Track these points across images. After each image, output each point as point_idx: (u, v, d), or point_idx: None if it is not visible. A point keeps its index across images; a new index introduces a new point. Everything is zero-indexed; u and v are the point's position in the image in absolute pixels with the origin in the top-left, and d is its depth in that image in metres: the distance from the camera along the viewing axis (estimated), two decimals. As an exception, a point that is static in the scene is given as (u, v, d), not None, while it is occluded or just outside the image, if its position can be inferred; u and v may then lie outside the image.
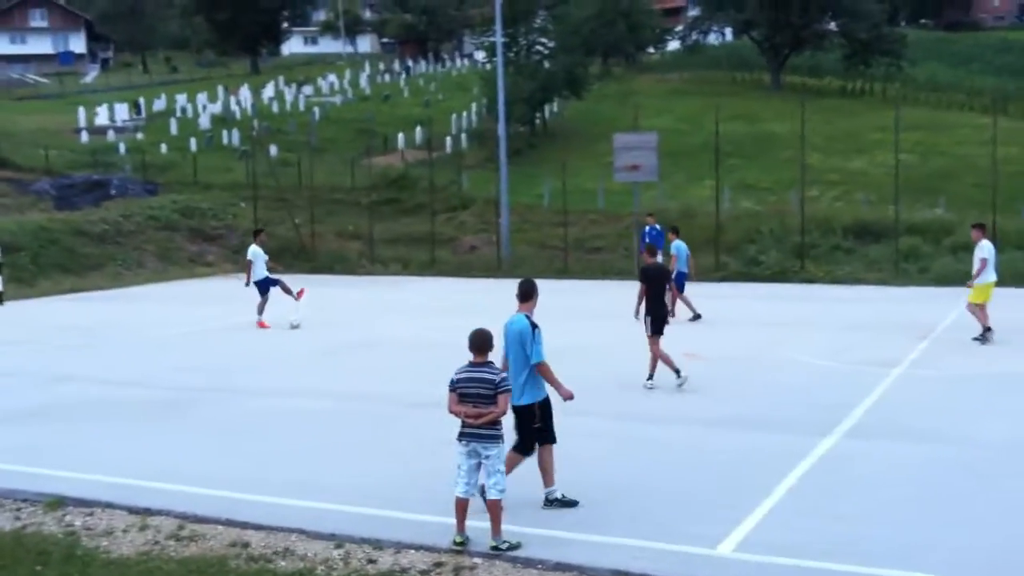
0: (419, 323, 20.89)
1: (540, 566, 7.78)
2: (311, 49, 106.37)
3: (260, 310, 21.25)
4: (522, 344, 8.96)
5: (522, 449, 9.08)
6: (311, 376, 15.81)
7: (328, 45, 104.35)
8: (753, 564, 7.70)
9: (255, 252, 21.46)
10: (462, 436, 8.21)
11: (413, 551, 8.12)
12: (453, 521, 8.22)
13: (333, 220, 37.33)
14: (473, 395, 8.14)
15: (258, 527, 8.72)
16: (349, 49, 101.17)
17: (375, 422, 12.65)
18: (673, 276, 18.44)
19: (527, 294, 9.41)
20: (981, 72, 69.26)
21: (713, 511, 8.86)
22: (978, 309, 17.73)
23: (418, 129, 50.03)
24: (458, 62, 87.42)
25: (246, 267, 21.64)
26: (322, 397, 14.15)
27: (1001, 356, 16.38)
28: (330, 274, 32.16)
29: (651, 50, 79.81)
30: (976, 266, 17.73)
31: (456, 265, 32.41)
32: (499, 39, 36.86)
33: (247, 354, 18.03)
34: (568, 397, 9.10)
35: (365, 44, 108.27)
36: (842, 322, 20.36)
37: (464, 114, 54.92)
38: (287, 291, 21.29)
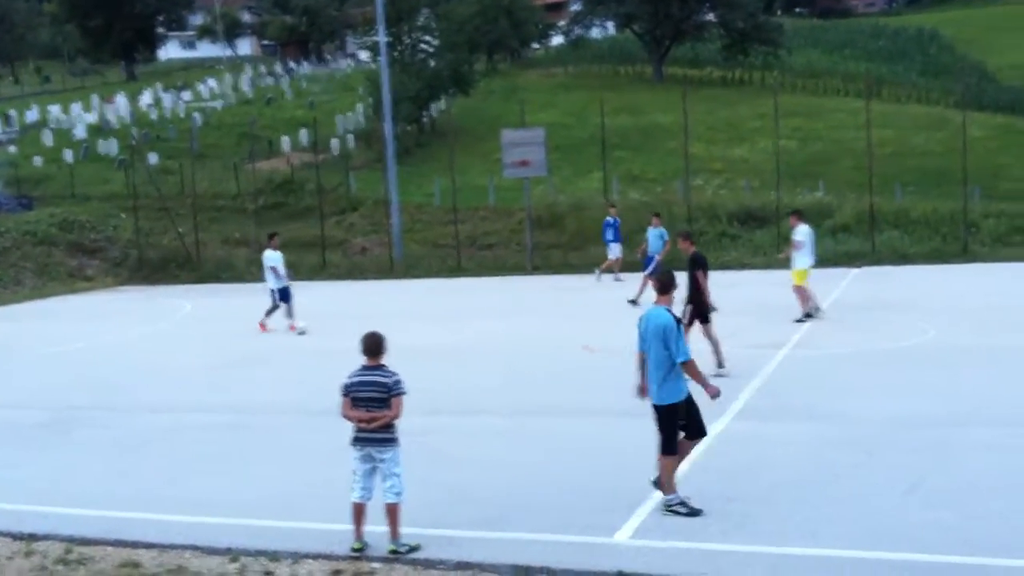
0: (311, 329, 20.58)
1: (441, 566, 7.75)
2: (189, 54, 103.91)
3: (289, 314, 20.44)
4: (663, 340, 8.49)
5: (668, 450, 8.62)
6: (199, 390, 15.45)
7: (207, 49, 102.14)
8: (650, 549, 7.81)
9: (272, 257, 20.52)
10: (356, 441, 8.12)
11: (311, 560, 8.02)
12: (351, 527, 8.14)
13: (218, 228, 36.56)
14: (366, 399, 8.05)
15: (149, 546, 8.51)
16: (228, 52, 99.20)
17: (267, 433, 12.44)
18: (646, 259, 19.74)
19: (666, 286, 8.83)
20: (855, 58, 71.50)
21: (610, 500, 8.96)
22: (797, 290, 18.48)
23: (303, 131, 49.31)
24: (342, 62, 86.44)
25: (272, 272, 20.50)
26: (211, 411, 13.83)
27: (880, 333, 16.93)
28: (217, 283, 31.50)
29: (535, 45, 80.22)
30: (794, 246, 18.56)
31: (348, 268, 32.07)
32: (382, 38, 36.60)
33: (133, 370, 17.51)
34: (715, 395, 8.64)
35: (245, 47, 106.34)
36: (730, 307, 20.72)
37: (350, 115, 54.36)
38: (270, 312, 20.52)
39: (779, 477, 9.39)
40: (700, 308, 14.18)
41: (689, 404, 8.63)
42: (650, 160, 43.33)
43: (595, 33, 77.70)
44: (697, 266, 14.24)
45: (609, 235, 26.49)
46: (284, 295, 20.50)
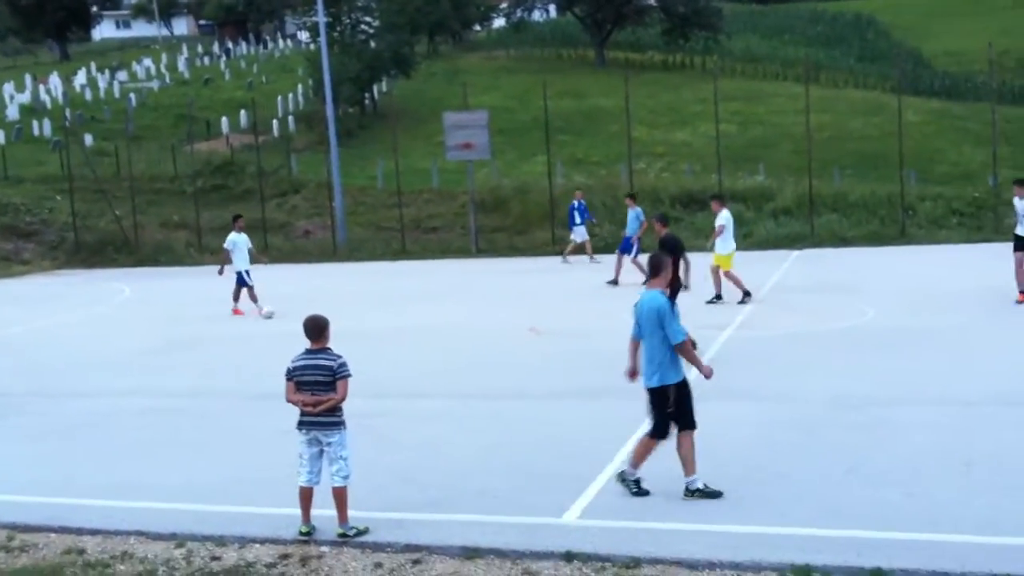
0: (252, 313, 20.37)
1: (389, 549, 7.74)
2: (124, 33, 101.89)
3: (252, 298, 20.06)
4: (659, 322, 8.38)
5: (657, 433, 8.52)
6: (141, 374, 15.22)
7: (142, 28, 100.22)
8: (596, 529, 7.87)
9: (234, 241, 20.19)
10: (302, 425, 8.06)
11: (258, 545, 7.95)
12: (298, 512, 8.08)
13: (156, 210, 35.99)
14: (311, 382, 7.99)
15: (94, 532, 8.37)
16: (164, 32, 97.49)
17: (212, 417, 12.30)
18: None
19: (656, 268, 8.76)
20: (793, 43, 72.29)
21: (557, 481, 9.00)
22: (727, 276, 18.46)
23: (242, 113, 48.69)
24: (281, 43, 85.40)
25: (222, 256, 20.22)
26: (152, 395, 13.64)
27: (820, 315, 17.20)
28: (156, 266, 31.03)
29: (477, 28, 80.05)
30: (716, 232, 18.55)
31: (290, 251, 31.78)
32: (321, 18, 36.23)
33: (70, 355, 17.19)
34: (709, 375, 8.53)
35: (181, 26, 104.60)
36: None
37: (290, 96, 53.78)
38: (252, 298, 20.12)
39: (723, 457, 9.50)
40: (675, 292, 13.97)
41: (683, 393, 8.50)
42: (593, 144, 43.49)
43: (537, 16, 77.71)
44: (666, 249, 14.00)
45: (576, 219, 26.42)
46: (239, 279, 20.18)
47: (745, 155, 38.15)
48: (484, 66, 62.48)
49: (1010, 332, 14.86)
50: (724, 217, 18.57)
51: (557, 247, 29.29)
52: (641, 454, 8.58)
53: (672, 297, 13.69)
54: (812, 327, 16.10)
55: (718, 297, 18.47)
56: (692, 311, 17.89)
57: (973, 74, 57.84)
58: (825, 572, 6.86)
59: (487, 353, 15.38)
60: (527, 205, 33.06)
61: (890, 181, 30.40)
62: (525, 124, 44.06)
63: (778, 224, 28.99)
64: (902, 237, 27.35)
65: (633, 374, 8.79)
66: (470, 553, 7.54)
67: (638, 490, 8.50)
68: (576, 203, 26.54)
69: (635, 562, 7.20)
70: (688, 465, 8.45)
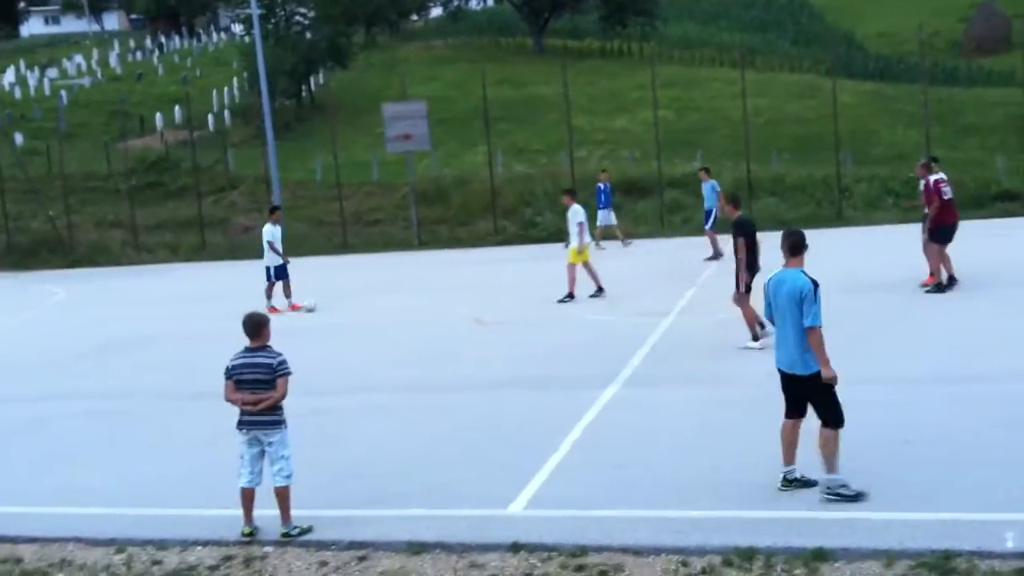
0: (190, 312, 20.10)
1: (334, 547, 7.67)
2: (53, 29, 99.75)
3: (287, 292, 19.47)
4: (800, 304, 7.80)
5: (835, 421, 7.77)
6: (76, 378, 14.92)
7: (72, 24, 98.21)
8: (542, 519, 7.87)
9: (272, 232, 19.49)
10: (242, 424, 7.94)
11: (200, 547, 7.85)
12: (240, 512, 7.98)
13: (91, 210, 35.33)
14: (250, 381, 7.88)
15: (31, 540, 8.22)
16: (95, 27, 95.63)
17: (151, 419, 12.09)
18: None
19: (797, 246, 8.10)
20: (729, 28, 72.85)
21: (503, 472, 8.99)
22: (577, 269, 18.16)
23: (176, 108, 47.92)
24: (214, 36, 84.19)
25: (270, 248, 19.38)
26: (90, 398, 13.38)
27: (759, 297, 17.31)
28: (92, 267, 30.46)
29: (414, 17, 79.49)
30: (575, 230, 18.09)
31: (229, 248, 31.36)
32: (255, 10, 35.80)
33: (3, 360, 16.77)
34: (829, 377, 7.77)
35: (112, 21, 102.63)
36: (616, 276, 21.04)
37: (225, 90, 53.03)
38: (286, 293, 19.49)
39: (668, 441, 9.57)
40: (742, 275, 13.45)
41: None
42: (534, 132, 43.47)
43: (474, 4, 77.41)
44: (739, 231, 13.54)
45: (601, 200, 25.84)
46: (280, 272, 19.60)
47: (684, 141, 38.36)
48: (422, 56, 62.14)
49: (945, 310, 15.12)
50: (579, 213, 18.17)
51: (499, 236, 29.28)
52: (833, 451, 7.74)
53: (751, 278, 13.45)
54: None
55: (600, 290, 18.28)
56: (633, 298, 17.99)
57: (905, 55, 58.78)
58: (769, 553, 6.92)
59: (432, 346, 15.31)
60: (469, 196, 32.98)
61: (826, 164, 30.79)
62: (465, 114, 43.91)
63: (719, 208, 29.19)
64: (839, 219, 27.72)
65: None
66: (416, 548, 7.50)
67: (855, 494, 7.69)
68: (601, 185, 25.95)
69: (581, 551, 7.21)
70: (789, 452, 8.02)
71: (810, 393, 7.88)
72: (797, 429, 8.06)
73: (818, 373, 7.79)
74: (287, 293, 19.63)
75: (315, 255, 29.38)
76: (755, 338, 13.33)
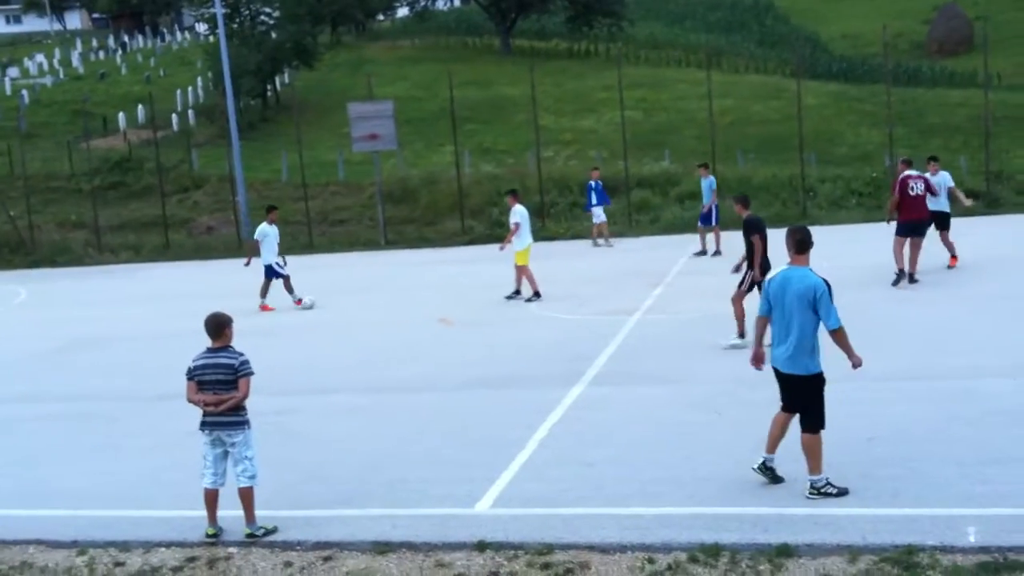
0: (154, 312, 19.89)
1: (299, 547, 7.62)
2: (14, 28, 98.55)
3: (288, 288, 19.26)
4: (811, 304, 7.64)
5: (817, 425, 7.79)
6: (37, 379, 14.73)
7: (33, 23, 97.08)
8: (508, 517, 7.85)
9: (265, 232, 19.34)
10: (204, 425, 7.87)
11: (163, 548, 7.78)
12: (204, 513, 7.91)
13: (53, 210, 34.91)
14: (212, 381, 7.81)
15: (-10, 543, 8.09)
16: (57, 26, 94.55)
17: (113, 420, 11.95)
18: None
19: (803, 243, 7.94)
20: (695, 29, 73.24)
21: (470, 472, 8.96)
22: (521, 271, 18.22)
23: (140, 107, 47.46)
24: (178, 35, 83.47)
25: (249, 248, 19.08)
26: (51, 400, 13.21)
27: (725, 297, 17.40)
28: (54, 267, 30.08)
29: (380, 17, 79.23)
30: (511, 229, 18.17)
31: (193, 248, 31.07)
32: (219, 9, 35.51)
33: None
34: (858, 364, 7.94)
35: (75, 20, 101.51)
36: (583, 276, 21.09)
37: (189, 89, 52.59)
38: (288, 288, 19.34)
39: (633, 439, 9.58)
40: (755, 274, 13.20)
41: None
42: (501, 132, 43.46)
43: (441, 4, 77.28)
44: (753, 230, 13.31)
45: (593, 199, 25.58)
46: (268, 272, 19.39)
47: (651, 141, 38.50)
48: (389, 56, 61.95)
49: (909, 309, 15.26)
50: (520, 214, 18.16)
51: (466, 237, 29.20)
52: (817, 454, 7.79)
53: (763, 276, 12.80)
54: (717, 309, 16.25)
55: (517, 292, 18.32)
56: (599, 298, 18.02)
57: (869, 56, 59.34)
58: (733, 550, 6.95)
59: (397, 346, 15.25)
60: (435, 195, 32.88)
61: (791, 164, 30.97)
62: (432, 114, 43.82)
63: (684, 208, 29.29)
64: (804, 218, 27.81)
65: (759, 360, 8.21)
66: (381, 547, 7.46)
67: (839, 490, 7.75)
68: (592, 183, 25.71)
69: (548, 548, 7.21)
70: (773, 443, 8.03)
71: (802, 395, 7.87)
72: (788, 424, 8.08)
73: (816, 376, 7.80)
74: (264, 292, 19.46)
75: (280, 255, 29.19)
76: (742, 335, 13.24)
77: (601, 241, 25.88)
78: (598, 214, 25.79)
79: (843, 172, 32.21)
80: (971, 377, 10.94)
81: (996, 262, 18.30)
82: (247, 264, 20.23)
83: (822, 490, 7.77)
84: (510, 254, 18.57)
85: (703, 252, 22.46)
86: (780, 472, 8.13)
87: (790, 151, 31.71)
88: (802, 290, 7.70)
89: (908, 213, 16.76)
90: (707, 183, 23.00)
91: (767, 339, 8.22)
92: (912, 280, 16.74)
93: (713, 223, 22.58)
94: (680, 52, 61.51)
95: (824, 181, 30.74)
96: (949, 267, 17.83)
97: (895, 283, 16.73)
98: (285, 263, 19.74)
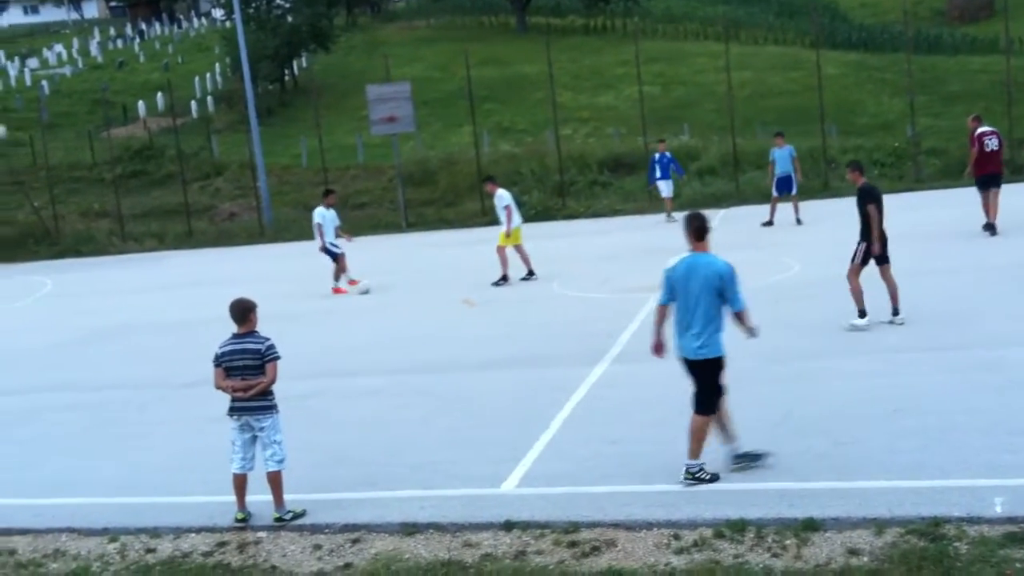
0: (178, 300, 20.04)
1: (327, 530, 7.69)
2: (32, 19, 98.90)
3: (336, 276, 19.17)
4: (718, 289, 7.71)
5: (711, 408, 7.89)
6: (66, 368, 14.89)
7: (51, 13, 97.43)
8: (535, 496, 7.89)
9: (323, 215, 19.20)
10: (233, 411, 7.94)
11: (194, 534, 7.86)
12: (233, 499, 7.99)
13: (76, 200, 35.19)
14: (240, 367, 7.87)
15: (24, 531, 8.22)
16: (75, 16, 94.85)
17: (142, 408, 12.07)
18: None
19: (701, 230, 7.98)
20: (712, 2, 72.57)
21: (495, 451, 9.01)
22: (505, 252, 18.13)
23: (159, 95, 47.66)
24: (195, 22, 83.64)
25: (318, 232, 19.09)
26: (80, 389, 13.36)
27: (747, 271, 17.30)
28: (78, 257, 30.35)
29: (395, -2, 79.20)
30: (502, 215, 18.11)
31: (216, 235, 31.28)
32: (236, -5, 35.55)
33: (-7, 351, 16.77)
34: (756, 334, 8.09)
35: (92, 9, 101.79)
36: (605, 253, 21.08)
37: (208, 76, 52.75)
38: (341, 269, 19.24)
39: (657, 417, 9.59)
40: (873, 247, 12.35)
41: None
42: (519, 111, 43.37)
43: (456, -17, 76.93)
44: (868, 199, 12.29)
45: (657, 173, 25.08)
46: (331, 254, 19.28)
47: (669, 116, 38.31)
48: (405, 36, 61.84)
49: (933, 279, 15.16)
50: (507, 197, 18.11)
51: (487, 217, 29.19)
52: (700, 439, 7.84)
53: (883, 250, 12.34)
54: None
55: (531, 273, 18.32)
56: (621, 275, 18.01)
57: (889, 25, 58.69)
58: (759, 525, 6.96)
59: (421, 327, 15.31)
60: (455, 176, 32.91)
61: (812, 135, 30.77)
62: (449, 94, 43.76)
63: (704, 184, 29.21)
64: (825, 190, 27.72)
65: (660, 348, 8.22)
66: (409, 529, 7.52)
67: (710, 476, 7.82)
68: (657, 156, 25.15)
69: (574, 527, 7.25)
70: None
71: (705, 377, 7.90)
72: (722, 407, 8.04)
73: (720, 358, 7.86)
74: (337, 276, 19.34)
75: (301, 240, 29.29)
76: (862, 313, 12.40)
77: (668, 216, 25.02)
78: (663, 188, 25.26)
79: (864, 142, 31.99)
80: (996, 346, 10.87)
81: (1022, 229, 18.14)
82: (322, 250, 19.57)
83: (696, 475, 7.79)
84: (515, 237, 18.36)
85: (770, 223, 22.50)
86: (756, 450, 8.05)
87: (810, 122, 31.48)
88: (709, 275, 7.74)
89: (984, 167, 17.83)
90: (787, 151, 22.91)
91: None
92: (994, 232, 17.70)
93: (793, 191, 22.68)
94: (697, 25, 61.03)
95: (845, 152, 30.52)
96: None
97: (991, 233, 17.76)
98: (340, 246, 19.46)
